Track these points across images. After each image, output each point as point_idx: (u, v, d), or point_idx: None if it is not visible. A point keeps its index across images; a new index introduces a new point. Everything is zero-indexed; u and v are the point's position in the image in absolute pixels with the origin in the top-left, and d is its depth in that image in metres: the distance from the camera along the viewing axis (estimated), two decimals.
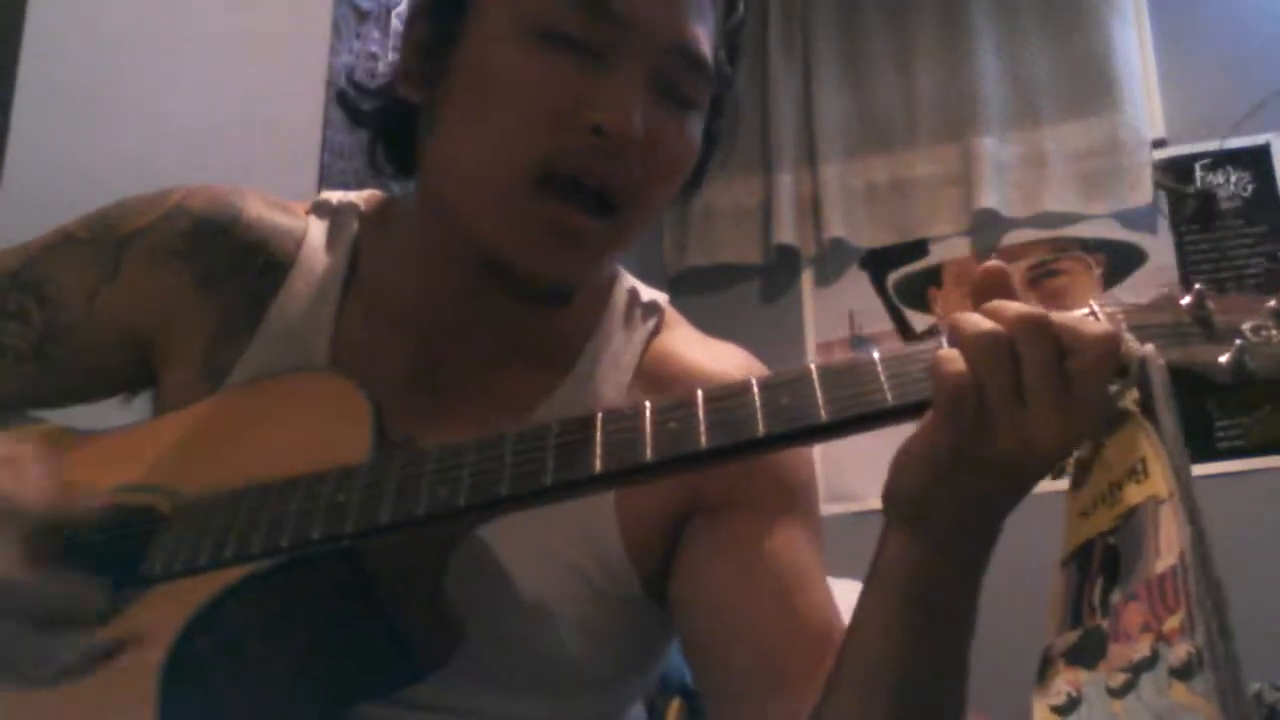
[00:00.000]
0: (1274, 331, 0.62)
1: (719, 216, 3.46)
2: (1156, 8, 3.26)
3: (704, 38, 0.86)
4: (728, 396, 0.68)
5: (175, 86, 1.83)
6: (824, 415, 0.65)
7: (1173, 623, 0.54)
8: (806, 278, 3.38)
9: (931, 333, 0.66)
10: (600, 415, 0.70)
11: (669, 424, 0.68)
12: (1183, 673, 0.53)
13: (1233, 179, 3.07)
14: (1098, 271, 3.12)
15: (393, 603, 0.73)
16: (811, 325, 3.30)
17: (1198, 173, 3.09)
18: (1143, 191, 3.08)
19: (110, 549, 0.78)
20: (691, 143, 0.88)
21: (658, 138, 0.84)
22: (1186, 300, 0.64)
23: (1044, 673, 0.60)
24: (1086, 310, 0.64)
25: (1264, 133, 3.07)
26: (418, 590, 0.75)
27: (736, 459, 0.68)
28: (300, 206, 0.98)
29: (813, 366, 0.67)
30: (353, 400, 0.80)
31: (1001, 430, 0.61)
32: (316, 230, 0.96)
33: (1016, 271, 3.14)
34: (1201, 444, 2.80)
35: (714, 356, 0.94)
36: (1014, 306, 0.62)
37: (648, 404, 0.69)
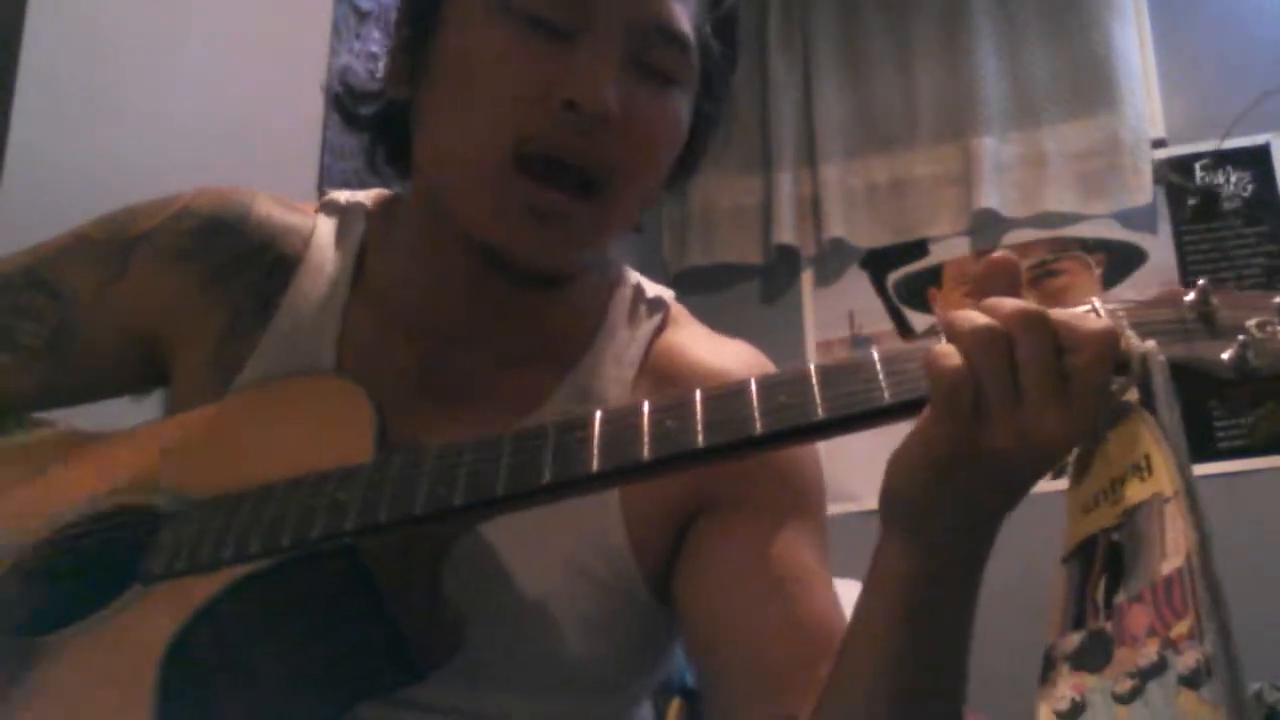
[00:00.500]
0: (1278, 328, 0.61)
1: (719, 216, 3.46)
2: (1156, 8, 3.26)
3: (682, 14, 0.86)
4: (725, 395, 0.67)
5: (175, 86, 1.83)
6: (821, 413, 0.64)
7: (1181, 629, 0.53)
8: (806, 278, 3.38)
9: (932, 332, 0.66)
10: (598, 414, 0.70)
11: (666, 423, 0.67)
12: (1192, 681, 0.52)
13: (1233, 179, 3.07)
14: (1098, 271, 3.12)
15: (392, 602, 0.73)
16: (811, 325, 3.30)
17: (1198, 173, 3.09)
18: (1143, 191, 3.09)
19: (112, 548, 0.78)
20: (675, 120, 0.88)
21: (636, 113, 0.83)
22: (1190, 297, 0.63)
23: (1047, 674, 0.59)
24: (1088, 307, 0.64)
25: (1264, 133, 3.07)
26: (417, 590, 0.75)
27: (734, 458, 0.67)
28: (309, 206, 0.99)
29: (811, 365, 0.67)
30: (355, 402, 0.80)
31: (998, 426, 0.60)
32: (325, 229, 0.96)
33: None
34: (1201, 444, 2.80)
35: (720, 353, 0.93)
36: (1011, 302, 0.62)
37: (645, 403, 0.69)
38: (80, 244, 0.96)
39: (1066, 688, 0.57)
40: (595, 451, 0.68)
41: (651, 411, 0.68)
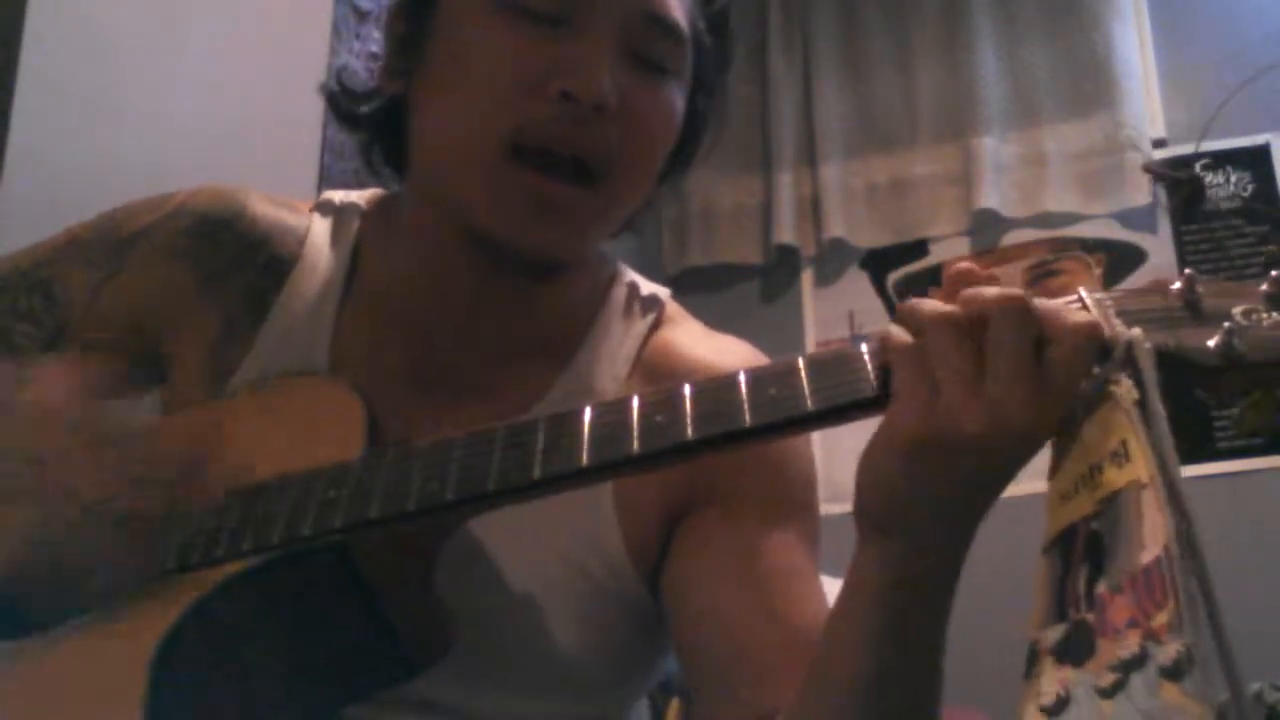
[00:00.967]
0: (1265, 315, 0.61)
1: (719, 216, 3.46)
2: (1156, 8, 3.26)
3: (676, 6, 0.87)
4: (715, 388, 0.68)
5: (175, 86, 1.83)
6: (810, 405, 0.64)
7: (1161, 619, 0.53)
8: (806, 278, 3.38)
9: None
10: (589, 408, 0.70)
11: (656, 416, 0.67)
12: (1173, 672, 0.51)
13: (1233, 179, 3.07)
14: (1098, 271, 3.12)
15: (384, 599, 0.73)
16: (811, 325, 3.30)
17: (1198, 172, 3.09)
18: (1142, 191, 3.09)
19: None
20: (670, 109, 0.88)
21: (632, 103, 0.84)
22: (1176, 286, 0.63)
23: (1031, 668, 0.59)
24: (1074, 297, 0.64)
25: (1264, 133, 3.07)
26: (409, 587, 0.76)
27: (725, 450, 0.67)
28: (304, 205, 0.99)
29: (800, 358, 0.67)
30: (347, 402, 0.81)
31: (965, 411, 0.59)
32: (320, 228, 0.96)
33: (1017, 272, 3.15)
34: (1201, 444, 2.80)
35: (716, 350, 0.93)
36: (993, 289, 0.62)
37: (635, 397, 0.69)
38: (75, 244, 0.96)
39: (1051, 682, 0.57)
40: (585, 445, 0.68)
41: (641, 405, 0.68)
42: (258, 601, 0.72)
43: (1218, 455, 2.79)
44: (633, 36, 0.84)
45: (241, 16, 1.97)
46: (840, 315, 3.30)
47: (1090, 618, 0.57)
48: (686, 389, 0.68)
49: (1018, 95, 3.27)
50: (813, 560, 0.87)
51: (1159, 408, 0.57)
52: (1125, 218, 3.13)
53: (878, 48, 3.43)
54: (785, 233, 3.33)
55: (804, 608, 0.82)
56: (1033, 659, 0.59)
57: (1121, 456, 0.58)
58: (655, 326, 0.96)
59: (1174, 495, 0.55)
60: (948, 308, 0.62)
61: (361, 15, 2.25)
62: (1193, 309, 0.62)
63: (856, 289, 3.30)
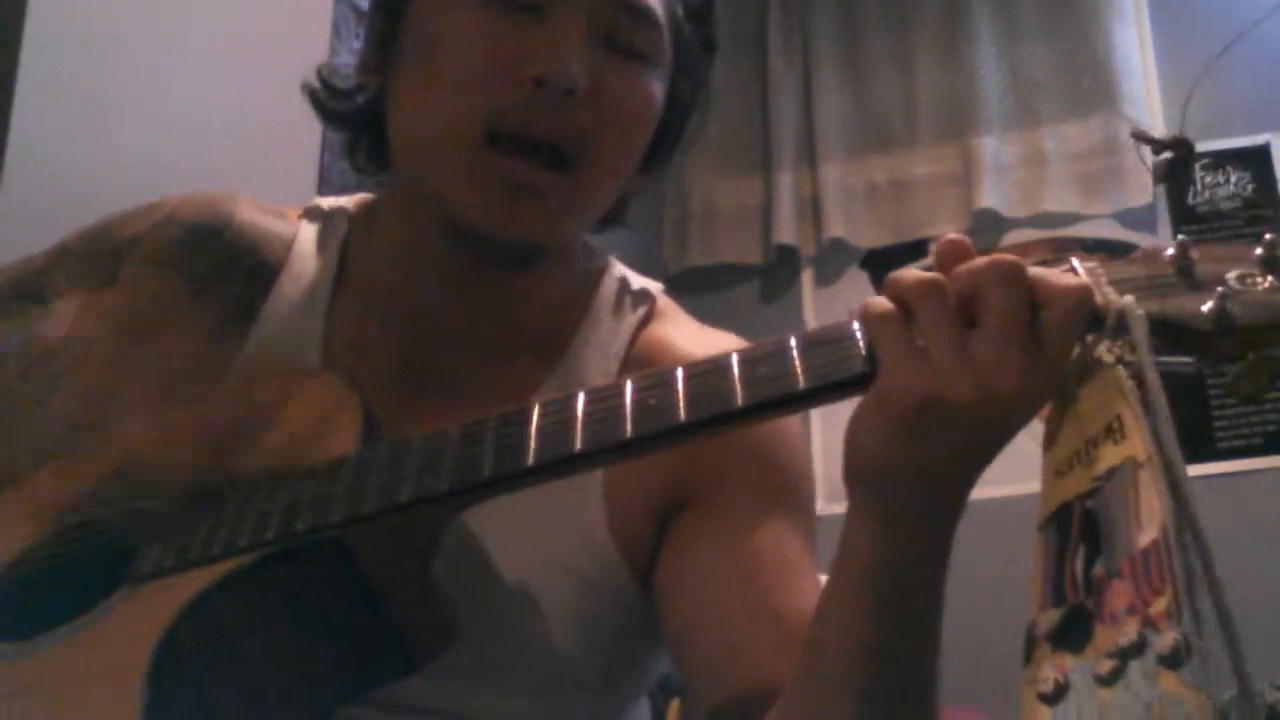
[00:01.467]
0: (1260, 279, 0.60)
1: (719, 216, 3.46)
2: (1156, 8, 3.26)
3: None
4: (707, 370, 0.67)
5: (175, 87, 1.83)
6: (802, 383, 0.64)
7: (1159, 605, 0.52)
8: (806, 278, 3.38)
9: None
10: (581, 395, 0.70)
11: (649, 400, 0.67)
12: (1171, 661, 0.50)
13: (1233, 179, 3.07)
14: None
15: (381, 593, 0.72)
16: (812, 325, 3.28)
17: (1198, 173, 3.09)
18: (1143, 191, 3.09)
19: (101, 550, 0.78)
20: (646, 94, 0.88)
21: (604, 88, 0.84)
22: (1169, 252, 0.62)
23: (1030, 655, 0.57)
24: (1066, 266, 0.63)
25: (1264, 133, 3.07)
26: (407, 582, 0.75)
27: (718, 431, 0.67)
28: (293, 212, 0.99)
29: (792, 337, 0.67)
30: (341, 397, 0.81)
31: (953, 376, 0.59)
32: (307, 234, 0.97)
33: None
34: (1201, 444, 2.80)
35: (706, 344, 0.92)
36: (984, 258, 0.61)
37: (629, 381, 0.69)
38: (67, 254, 0.97)
39: (1049, 669, 0.56)
40: (579, 432, 0.68)
41: (634, 390, 0.68)
42: (255, 599, 0.72)
43: (1218, 455, 2.79)
44: (605, 22, 0.84)
45: (241, 16, 1.97)
46: (840, 315, 3.27)
47: (1089, 602, 0.56)
48: (679, 371, 0.68)
49: (1018, 95, 3.27)
50: (807, 552, 0.86)
51: (1154, 375, 0.56)
52: (1125, 218, 3.13)
53: (878, 48, 3.43)
54: (785, 233, 3.33)
55: (798, 600, 0.81)
56: (1030, 644, 0.58)
57: (1117, 432, 0.57)
58: (646, 321, 0.95)
59: (1171, 473, 0.54)
60: (932, 275, 0.62)
61: (361, 15, 2.25)
62: (1186, 275, 0.61)
63: (856, 289, 3.30)
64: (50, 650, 0.73)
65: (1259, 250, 0.61)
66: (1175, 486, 0.54)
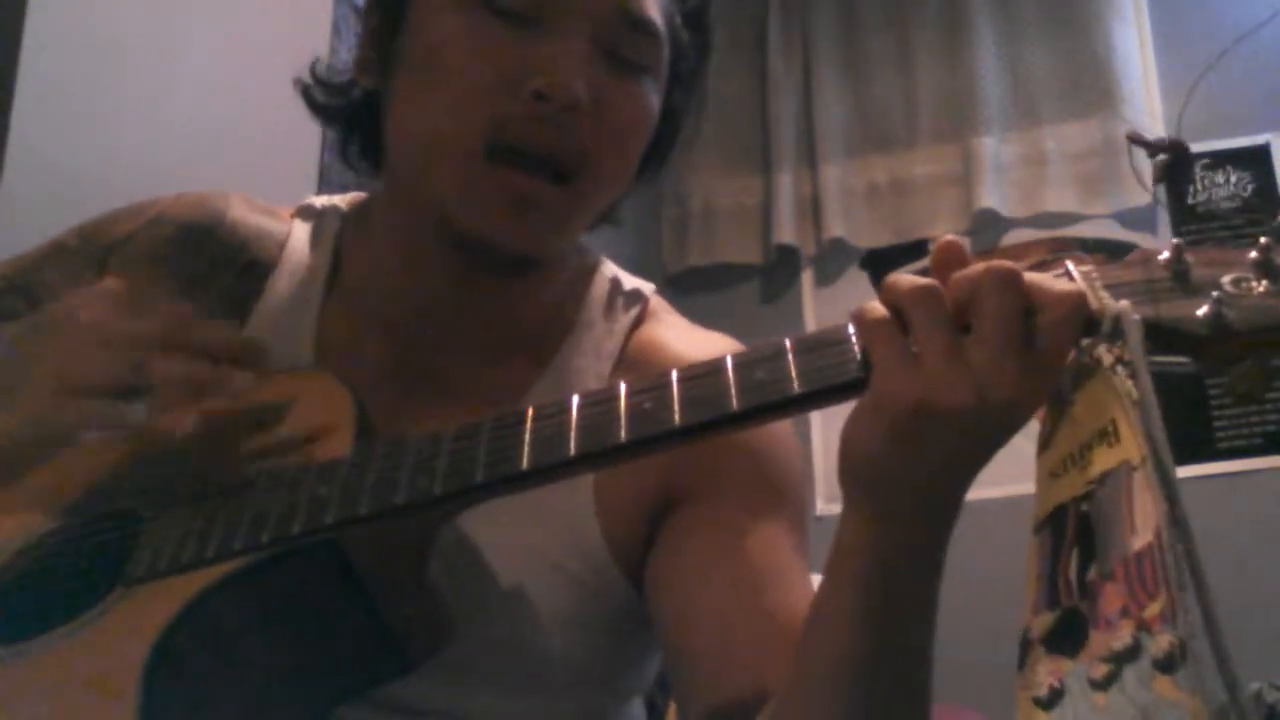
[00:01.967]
0: (1255, 283, 0.60)
1: (719, 216, 3.46)
2: (1156, 8, 3.26)
3: (651, 3, 0.87)
4: (702, 374, 0.67)
5: (175, 87, 1.83)
6: (797, 387, 0.64)
7: (1153, 609, 0.52)
8: (806, 278, 3.38)
9: None
10: (575, 398, 0.70)
11: (644, 404, 0.67)
12: (1166, 665, 0.50)
13: (1233, 179, 3.07)
14: None
15: (377, 593, 0.72)
16: (812, 325, 3.30)
17: (1198, 173, 3.09)
18: (1142, 192, 3.09)
19: (97, 550, 0.78)
20: (645, 108, 0.88)
21: (606, 101, 0.84)
22: (1164, 256, 0.62)
23: (1024, 659, 0.58)
24: (1061, 270, 0.63)
25: (1264, 133, 3.07)
26: (403, 582, 0.75)
27: (713, 436, 0.66)
28: (286, 211, 0.99)
29: (788, 340, 0.66)
30: (336, 395, 0.80)
31: (948, 381, 0.59)
32: (300, 232, 0.97)
33: None
34: (1201, 444, 2.80)
35: (699, 345, 0.93)
36: (980, 265, 0.61)
37: (623, 385, 0.69)
38: (59, 252, 0.97)
39: (1044, 673, 0.56)
40: (573, 435, 0.67)
41: (629, 393, 0.68)
42: (250, 601, 0.72)
43: (1218, 455, 2.79)
44: (607, 34, 0.84)
45: (241, 16, 1.97)
46: (840, 315, 3.21)
47: (1083, 606, 0.56)
48: (674, 375, 0.67)
49: (1018, 95, 3.27)
50: (799, 552, 0.86)
51: (1148, 381, 0.56)
52: (1125, 218, 3.13)
53: (878, 48, 3.43)
54: (785, 233, 3.33)
55: (790, 600, 0.81)
56: (1025, 648, 0.58)
57: (1111, 435, 0.57)
58: (639, 322, 0.95)
59: (1163, 475, 0.54)
60: (926, 280, 0.62)
61: (361, 15, 2.25)
62: (1181, 279, 0.61)
63: (856, 289, 3.30)
64: (45, 653, 0.73)
65: (1254, 254, 0.61)
66: (1168, 490, 0.54)
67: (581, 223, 0.90)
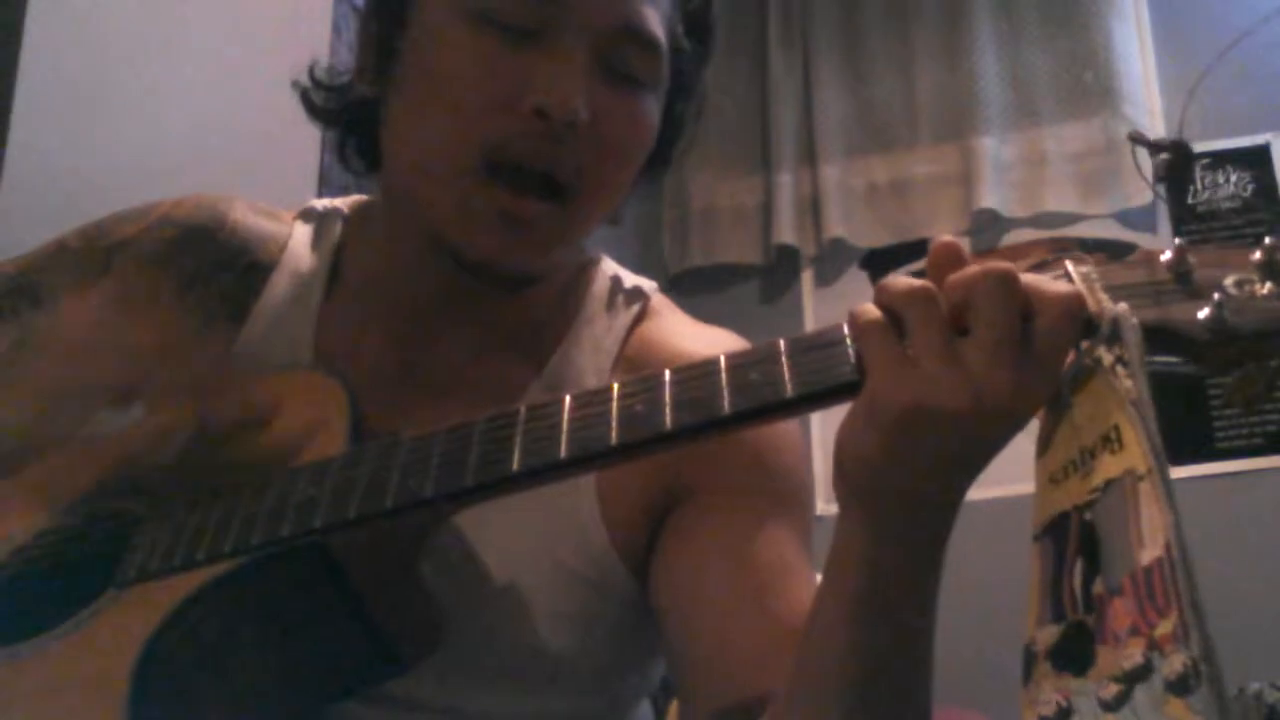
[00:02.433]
0: (1258, 285, 0.58)
1: (719, 216, 3.46)
2: (1156, 8, 3.26)
3: (652, 16, 0.85)
4: (694, 375, 0.66)
5: (175, 87, 1.83)
6: (790, 390, 0.63)
7: (1165, 628, 0.50)
8: (806, 278, 3.38)
9: None
10: (567, 399, 0.69)
11: (635, 406, 0.66)
12: (1179, 687, 0.49)
13: (1233, 179, 3.07)
14: None
15: (368, 595, 0.72)
16: (812, 325, 3.30)
17: (1198, 173, 3.09)
18: (1142, 192, 3.09)
19: (88, 552, 0.78)
20: (645, 123, 0.87)
21: (605, 117, 0.83)
22: (1166, 256, 0.61)
23: (1029, 673, 0.56)
24: (1060, 271, 0.63)
25: (1264, 133, 3.07)
26: (394, 584, 0.75)
27: (705, 438, 0.66)
28: (288, 214, 1.00)
29: (782, 342, 0.65)
30: (330, 394, 0.80)
31: (943, 383, 0.58)
32: (301, 234, 0.97)
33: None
34: (1201, 444, 2.80)
35: (700, 341, 0.92)
36: (976, 267, 0.61)
37: (615, 385, 0.68)
38: (61, 252, 0.97)
39: (1050, 691, 0.55)
40: (564, 438, 0.67)
41: (620, 395, 0.67)
42: (241, 603, 0.72)
43: (1218, 455, 2.79)
44: (608, 49, 0.83)
45: (241, 16, 1.97)
46: (840, 315, 3.19)
47: (1089, 620, 0.54)
48: (666, 375, 0.67)
49: (1018, 95, 3.27)
50: (803, 552, 0.85)
51: (1145, 386, 0.55)
52: (1125, 218, 3.13)
53: (878, 48, 3.43)
54: (785, 233, 3.33)
55: (793, 601, 0.80)
56: (1030, 662, 0.56)
57: (1114, 442, 0.56)
58: (639, 319, 0.95)
59: (1167, 488, 0.53)
60: (922, 283, 0.61)
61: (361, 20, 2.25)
62: (1183, 280, 0.60)
63: (856, 289, 3.29)
64: (35, 656, 0.73)
65: (1257, 255, 0.59)
66: (1171, 501, 0.53)
67: (577, 238, 0.90)
